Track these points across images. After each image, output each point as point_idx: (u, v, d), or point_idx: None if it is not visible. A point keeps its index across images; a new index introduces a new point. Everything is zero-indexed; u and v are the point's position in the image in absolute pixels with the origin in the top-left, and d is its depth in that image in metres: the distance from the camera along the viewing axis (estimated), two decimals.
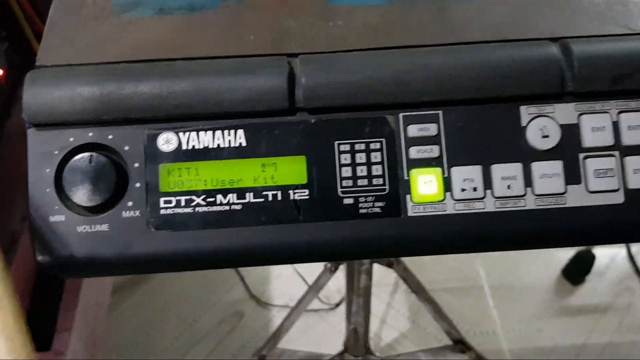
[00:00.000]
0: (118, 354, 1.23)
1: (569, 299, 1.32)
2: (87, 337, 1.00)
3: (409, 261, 1.00)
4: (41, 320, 0.94)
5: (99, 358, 1.09)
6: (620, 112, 0.39)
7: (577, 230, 0.39)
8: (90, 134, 0.38)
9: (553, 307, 1.30)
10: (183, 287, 1.34)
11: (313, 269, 1.34)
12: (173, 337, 1.25)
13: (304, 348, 1.15)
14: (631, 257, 1.37)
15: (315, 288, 1.00)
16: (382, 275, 1.19)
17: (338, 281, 1.33)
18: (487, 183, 0.38)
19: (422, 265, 1.36)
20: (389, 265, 0.93)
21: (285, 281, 1.35)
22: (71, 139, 0.38)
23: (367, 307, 0.99)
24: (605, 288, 1.33)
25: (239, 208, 0.38)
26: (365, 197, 0.39)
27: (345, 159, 0.39)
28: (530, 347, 1.23)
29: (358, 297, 0.96)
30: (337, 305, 1.31)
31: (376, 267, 0.92)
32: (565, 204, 0.38)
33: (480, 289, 1.34)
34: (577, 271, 1.34)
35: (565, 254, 1.38)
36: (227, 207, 0.38)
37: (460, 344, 1.03)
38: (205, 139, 0.39)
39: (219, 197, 0.38)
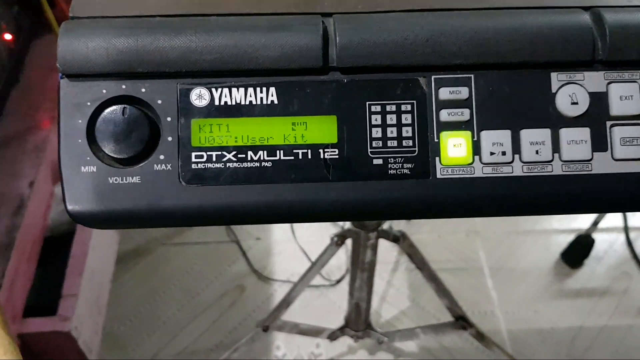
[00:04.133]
0: (120, 322, 1.23)
1: (568, 282, 1.33)
2: (92, 303, 1.01)
3: (410, 238, 1.01)
4: (47, 285, 0.95)
5: (103, 324, 1.10)
6: None
7: (602, 197, 0.39)
8: (124, 87, 0.38)
9: (551, 289, 1.32)
10: (186, 260, 1.34)
11: (315, 246, 1.35)
12: (175, 308, 1.26)
13: (304, 322, 1.16)
14: (629, 243, 1.39)
15: (320, 262, 1.00)
16: (383, 253, 1.20)
17: (339, 258, 1.34)
18: (516, 148, 0.39)
19: (423, 245, 1.37)
20: (395, 240, 0.94)
21: (287, 257, 1.36)
22: (104, 91, 0.38)
23: (370, 283, 1.00)
24: (603, 272, 1.35)
25: (269, 165, 0.39)
26: (395, 158, 0.39)
27: (376, 119, 0.39)
28: (527, 328, 1.25)
29: (362, 272, 0.97)
30: (338, 282, 1.32)
31: (380, 243, 0.93)
32: (591, 170, 0.39)
33: (480, 270, 1.35)
34: (576, 255, 1.35)
35: (565, 238, 1.39)
36: (257, 164, 0.39)
37: (461, 320, 1.04)
38: (237, 96, 0.39)
39: (250, 153, 0.39)
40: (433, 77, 0.39)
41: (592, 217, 1.31)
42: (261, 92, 0.39)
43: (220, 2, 0.40)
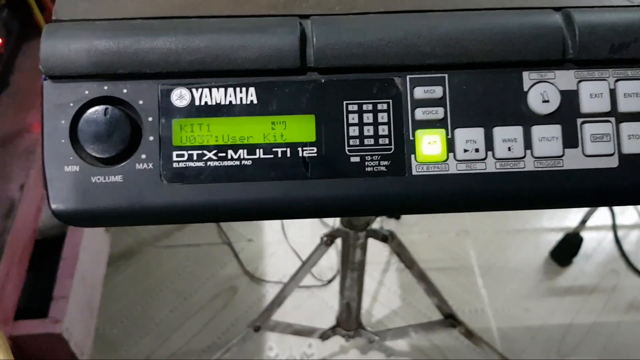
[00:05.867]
0: (113, 324, 1.24)
1: (557, 280, 1.34)
2: (83, 305, 1.01)
3: (401, 237, 1.02)
4: (38, 288, 0.96)
5: (95, 327, 1.11)
6: (617, 80, 0.40)
7: (573, 192, 0.40)
8: (105, 88, 0.39)
9: (541, 287, 1.33)
10: (178, 262, 1.35)
11: (306, 247, 1.36)
12: (168, 310, 1.27)
13: (296, 322, 1.17)
14: (617, 241, 1.40)
15: (310, 262, 1.01)
16: (373, 253, 1.21)
17: (330, 259, 1.35)
18: (489, 145, 0.40)
19: (414, 245, 1.38)
20: (384, 240, 0.95)
21: (279, 258, 1.37)
22: (86, 92, 0.39)
23: (360, 282, 1.01)
24: (592, 270, 1.36)
25: (249, 163, 0.40)
26: (372, 155, 0.40)
27: (353, 118, 0.40)
28: (517, 326, 1.26)
29: (352, 271, 0.98)
30: (329, 282, 1.33)
31: (369, 243, 0.94)
32: (562, 166, 0.40)
33: (470, 268, 1.36)
34: (565, 253, 1.36)
35: (554, 237, 1.40)
36: (237, 162, 0.40)
37: (450, 319, 1.05)
38: (217, 96, 0.40)
39: (230, 152, 0.40)
40: (408, 77, 0.40)
41: (580, 215, 1.33)
42: (241, 92, 0.40)
43: (200, 5, 0.41)
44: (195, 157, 0.39)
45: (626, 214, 1.47)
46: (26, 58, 1.07)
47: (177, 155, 0.39)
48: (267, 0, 0.42)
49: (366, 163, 0.40)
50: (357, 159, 0.40)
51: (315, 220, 1.44)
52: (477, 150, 0.40)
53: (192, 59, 0.39)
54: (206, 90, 0.40)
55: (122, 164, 0.39)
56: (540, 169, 0.40)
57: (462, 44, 0.40)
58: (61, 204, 0.39)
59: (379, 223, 1.38)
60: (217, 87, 0.40)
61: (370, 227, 0.91)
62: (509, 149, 0.40)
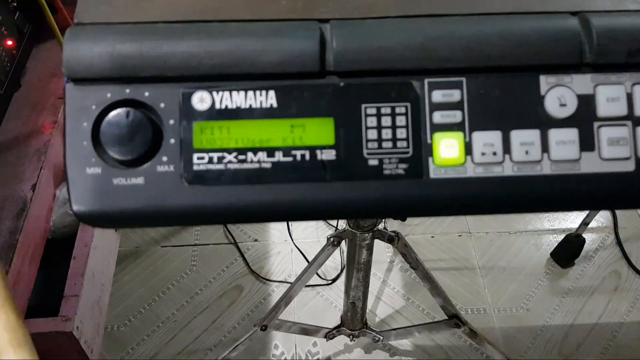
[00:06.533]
0: (121, 322, 1.25)
1: (559, 281, 1.35)
2: (93, 303, 1.01)
3: (405, 238, 1.03)
4: (50, 286, 0.96)
5: (104, 324, 1.11)
6: (634, 84, 0.41)
7: (590, 195, 0.41)
8: (127, 91, 0.39)
9: (543, 288, 1.34)
10: (185, 261, 1.36)
11: (311, 247, 1.37)
12: (175, 308, 1.27)
13: (301, 321, 1.18)
14: (619, 242, 1.41)
15: (317, 262, 1.02)
16: (378, 253, 1.21)
17: (334, 258, 1.35)
18: (506, 148, 0.40)
19: (418, 245, 1.39)
20: (390, 241, 0.95)
21: (284, 258, 1.38)
22: (108, 95, 0.39)
23: (366, 282, 1.01)
24: (593, 271, 1.37)
25: (269, 166, 0.40)
26: (390, 158, 0.40)
27: (372, 121, 0.40)
28: (519, 326, 1.27)
29: (358, 272, 0.98)
30: (334, 280, 1.33)
31: (375, 243, 0.94)
32: (579, 170, 0.40)
33: (473, 269, 1.37)
34: (567, 254, 1.37)
35: (555, 238, 1.41)
36: (257, 165, 0.40)
37: (455, 319, 1.05)
38: (237, 99, 0.40)
39: (250, 155, 0.40)
40: (426, 81, 0.40)
41: (582, 217, 1.33)
42: (261, 95, 0.40)
43: (221, 9, 0.42)
44: (215, 160, 0.40)
45: (627, 215, 1.48)
46: (38, 60, 1.07)
47: (198, 158, 0.40)
48: (286, 4, 0.42)
49: (384, 166, 0.40)
50: (375, 162, 0.40)
51: (320, 221, 1.44)
52: (494, 153, 0.40)
53: (213, 62, 0.39)
54: (227, 94, 0.40)
55: (144, 166, 0.39)
56: (557, 173, 0.40)
57: (479, 48, 0.40)
58: (83, 206, 0.39)
59: (383, 224, 1.38)
60: (238, 91, 0.40)
61: (376, 228, 0.91)
62: (526, 152, 0.40)
